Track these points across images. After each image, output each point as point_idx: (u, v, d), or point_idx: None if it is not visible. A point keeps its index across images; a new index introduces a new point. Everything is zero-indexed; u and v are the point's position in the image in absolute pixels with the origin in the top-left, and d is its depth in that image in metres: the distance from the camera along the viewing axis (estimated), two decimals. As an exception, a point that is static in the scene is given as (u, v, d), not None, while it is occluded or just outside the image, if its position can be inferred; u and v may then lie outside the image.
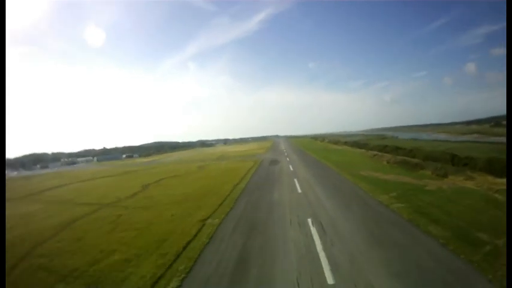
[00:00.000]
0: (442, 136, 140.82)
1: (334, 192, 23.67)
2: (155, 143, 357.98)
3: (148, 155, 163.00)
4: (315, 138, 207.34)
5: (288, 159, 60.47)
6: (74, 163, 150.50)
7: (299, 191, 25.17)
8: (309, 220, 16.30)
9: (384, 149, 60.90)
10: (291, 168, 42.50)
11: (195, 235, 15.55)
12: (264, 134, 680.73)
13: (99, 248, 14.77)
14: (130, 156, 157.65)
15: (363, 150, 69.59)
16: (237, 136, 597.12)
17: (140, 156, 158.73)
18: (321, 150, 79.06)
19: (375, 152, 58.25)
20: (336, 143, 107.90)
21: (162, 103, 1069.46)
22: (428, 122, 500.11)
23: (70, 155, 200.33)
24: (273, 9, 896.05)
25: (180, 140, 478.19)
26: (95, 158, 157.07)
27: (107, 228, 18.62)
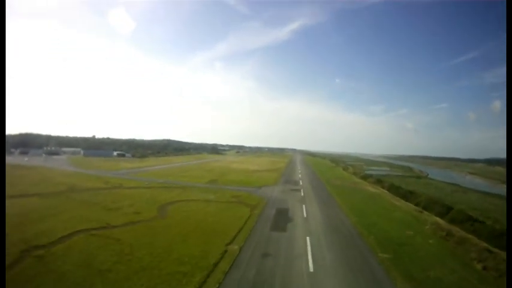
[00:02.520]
0: (480, 182, 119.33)
1: None
2: (164, 140, 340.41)
3: (143, 156, 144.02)
4: (336, 162, 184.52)
5: (304, 210, 39.90)
6: (56, 153, 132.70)
7: None
8: None
9: (447, 213, 40.82)
10: (310, 262, 21.44)
11: None
12: (281, 146, 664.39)
13: None
14: (122, 155, 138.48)
15: (412, 205, 48.90)
16: (254, 144, 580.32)
17: (134, 156, 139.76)
18: (351, 194, 57.32)
19: (443, 224, 36.90)
20: (365, 178, 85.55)
21: (184, 99, 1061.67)
22: (445, 155, 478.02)
23: (60, 141, 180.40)
24: (306, 20, 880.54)
25: (194, 141, 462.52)
26: (82, 152, 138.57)
27: None
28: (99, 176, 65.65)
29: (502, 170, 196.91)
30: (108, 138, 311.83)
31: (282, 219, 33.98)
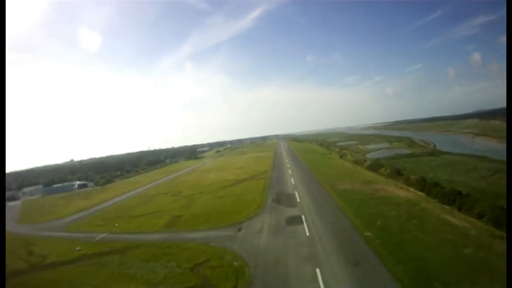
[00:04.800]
0: (496, 145, 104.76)
1: None
2: (139, 153, 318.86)
3: (109, 181, 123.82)
4: (326, 146, 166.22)
5: None
6: (13, 198, 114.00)
7: None
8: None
9: None
10: None
11: None
12: (263, 134, 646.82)
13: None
14: (84, 186, 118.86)
15: (476, 221, 31.78)
16: (235, 137, 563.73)
17: (97, 184, 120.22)
18: (378, 212, 37.99)
19: None
20: (375, 169, 66.66)
21: (159, 106, 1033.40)
22: (431, 115, 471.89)
23: (28, 176, 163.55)
24: (268, 5, 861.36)
25: (175, 146, 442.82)
26: (41, 189, 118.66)
27: None
28: (28, 238, 49.19)
29: (500, 123, 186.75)
30: (81, 162, 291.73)
31: None
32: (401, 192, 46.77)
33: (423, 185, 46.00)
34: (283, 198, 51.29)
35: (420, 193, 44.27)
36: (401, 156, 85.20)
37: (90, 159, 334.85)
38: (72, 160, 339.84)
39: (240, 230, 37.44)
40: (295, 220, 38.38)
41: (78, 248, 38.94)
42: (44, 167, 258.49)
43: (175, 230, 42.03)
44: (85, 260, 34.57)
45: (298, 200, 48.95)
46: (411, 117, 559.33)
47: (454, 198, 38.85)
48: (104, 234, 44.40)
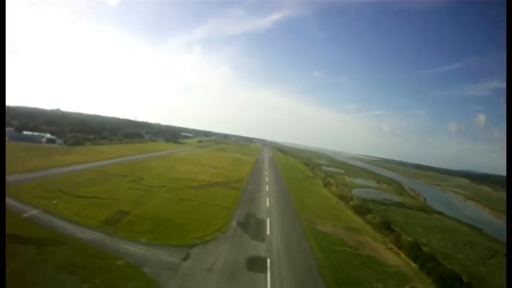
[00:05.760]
0: (490, 217, 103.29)
1: None
2: (124, 120, 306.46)
3: (78, 142, 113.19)
4: (311, 167, 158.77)
5: None
6: None
7: None
8: None
9: None
10: None
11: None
12: (251, 135, 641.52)
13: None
14: (52, 141, 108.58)
15: None
16: (223, 130, 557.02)
17: (65, 143, 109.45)
18: (364, 282, 30.21)
19: None
20: (362, 214, 58.96)
21: (157, 80, 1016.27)
22: (422, 163, 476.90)
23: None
24: (290, 11, 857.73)
25: (163, 123, 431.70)
26: (10, 133, 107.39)
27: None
28: None
29: (490, 191, 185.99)
30: (64, 114, 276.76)
31: None
32: (390, 255, 38.99)
33: (417, 253, 38.50)
34: (252, 225, 42.83)
35: (413, 264, 36.64)
36: (390, 204, 77.92)
37: (76, 113, 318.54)
38: (58, 109, 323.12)
39: (187, 258, 28.93)
40: (258, 264, 30.09)
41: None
42: (28, 108, 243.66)
43: (112, 232, 33.12)
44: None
45: (269, 232, 40.67)
46: (402, 159, 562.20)
47: (453, 284, 31.54)
48: (37, 211, 35.95)
